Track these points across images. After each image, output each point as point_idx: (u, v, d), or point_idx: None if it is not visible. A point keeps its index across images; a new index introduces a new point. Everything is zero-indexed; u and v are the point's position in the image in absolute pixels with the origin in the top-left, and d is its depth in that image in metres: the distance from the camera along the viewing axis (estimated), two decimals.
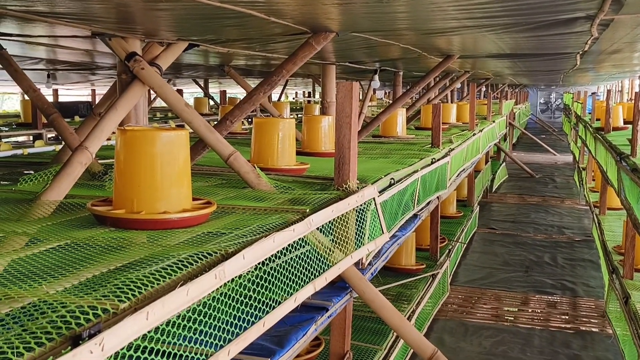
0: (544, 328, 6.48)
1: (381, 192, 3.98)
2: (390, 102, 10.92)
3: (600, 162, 8.19)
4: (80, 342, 1.37)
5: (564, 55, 6.09)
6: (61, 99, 14.69)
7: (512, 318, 6.83)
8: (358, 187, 3.48)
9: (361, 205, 3.40)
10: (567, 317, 6.83)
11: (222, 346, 1.94)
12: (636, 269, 6.02)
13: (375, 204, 3.55)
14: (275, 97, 17.01)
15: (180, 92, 12.61)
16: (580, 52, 5.85)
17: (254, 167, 3.47)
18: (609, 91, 8.79)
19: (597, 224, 8.54)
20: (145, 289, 1.69)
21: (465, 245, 9.10)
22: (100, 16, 3.03)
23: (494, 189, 14.80)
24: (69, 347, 1.35)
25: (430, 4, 2.69)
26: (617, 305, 5.71)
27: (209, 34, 3.76)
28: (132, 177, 2.53)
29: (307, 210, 2.81)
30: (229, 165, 3.44)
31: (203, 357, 1.85)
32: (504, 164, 17.23)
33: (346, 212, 3.23)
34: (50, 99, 14.96)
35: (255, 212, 2.87)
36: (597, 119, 10.76)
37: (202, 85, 13.51)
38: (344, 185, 3.41)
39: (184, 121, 3.61)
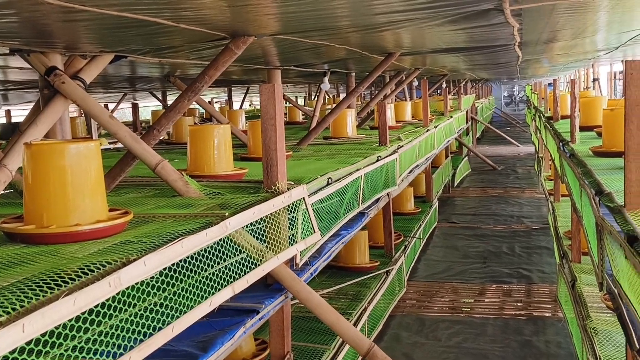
0: (498, 317, 6.58)
1: (317, 191, 4.01)
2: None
3: (549, 150, 8.34)
4: None
5: (500, 47, 6.19)
6: (16, 119, 14.46)
7: (469, 309, 6.91)
8: (289, 188, 3.50)
9: (290, 205, 3.42)
10: (520, 305, 6.94)
11: (121, 354, 1.94)
12: (583, 252, 6.13)
13: (305, 203, 3.58)
14: (237, 106, 16.96)
15: (136, 106, 12.48)
16: (516, 43, 5.95)
17: (182, 174, 3.47)
18: (555, 80, 8.95)
19: (551, 211, 8.69)
20: (28, 302, 1.68)
21: (423, 241, 9.19)
22: (14, 32, 3.01)
23: (456, 184, 14.96)
24: None
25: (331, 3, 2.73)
26: (566, 289, 5.82)
27: (131, 44, 3.76)
28: (41, 191, 2.51)
29: (226, 214, 2.82)
30: (157, 174, 3.43)
31: None
32: (467, 158, 17.42)
33: (274, 213, 3.25)
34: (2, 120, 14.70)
35: (175, 219, 2.87)
36: (549, 109, 10.95)
37: (160, 97, 13.42)
38: (273, 187, 3.43)
39: (109, 132, 3.60)
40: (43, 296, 1.73)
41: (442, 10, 3.24)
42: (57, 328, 1.69)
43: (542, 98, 14.11)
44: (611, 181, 3.51)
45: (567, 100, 9.46)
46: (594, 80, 14.95)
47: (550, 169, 12.29)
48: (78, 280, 1.87)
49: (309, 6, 2.84)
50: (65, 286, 1.81)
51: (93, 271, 1.95)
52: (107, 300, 1.90)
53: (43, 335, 1.64)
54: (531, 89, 21.32)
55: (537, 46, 6.87)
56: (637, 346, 2.49)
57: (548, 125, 8.39)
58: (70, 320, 1.73)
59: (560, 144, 6.16)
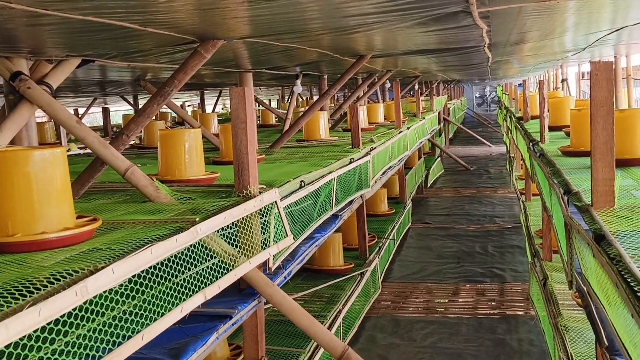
0: (472, 316, 6.63)
1: (290, 195, 3.99)
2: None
3: (520, 149, 8.44)
4: None
5: (470, 48, 6.25)
6: None
7: (443, 309, 6.96)
8: (260, 192, 3.48)
9: (262, 209, 3.40)
10: (494, 303, 7.01)
11: None
12: (554, 251, 6.21)
13: (277, 207, 3.56)
14: (209, 109, 16.86)
15: (106, 110, 12.32)
16: (485, 45, 6.01)
17: (152, 179, 3.43)
18: (524, 81, 9.07)
19: (523, 210, 8.79)
20: None
21: (397, 242, 9.23)
22: None
23: (429, 184, 15.06)
24: None
25: (300, 5, 2.72)
26: (538, 287, 5.89)
27: (99, 48, 3.70)
28: (5, 199, 2.45)
29: (197, 219, 2.79)
30: (127, 180, 3.38)
31: None
32: (439, 159, 17.55)
33: (246, 218, 3.22)
34: None
35: (145, 225, 2.83)
36: (520, 109, 11.10)
37: (131, 101, 13.27)
38: (244, 191, 3.41)
39: (77, 138, 3.54)
40: (7, 307, 1.69)
41: (412, 13, 3.25)
42: (21, 339, 1.65)
43: (513, 98, 14.29)
44: (579, 180, 3.56)
45: (536, 100, 9.60)
46: (563, 80, 15.19)
47: (522, 168, 12.45)
48: (44, 290, 1.84)
49: (278, 9, 2.83)
50: (30, 296, 1.77)
51: (59, 280, 1.91)
52: (74, 309, 1.87)
53: (7, 347, 1.60)
54: (502, 90, 21.56)
55: (507, 47, 6.95)
56: (606, 343, 2.52)
57: (518, 126, 8.50)
58: (35, 331, 1.70)
59: (530, 143, 6.24)
